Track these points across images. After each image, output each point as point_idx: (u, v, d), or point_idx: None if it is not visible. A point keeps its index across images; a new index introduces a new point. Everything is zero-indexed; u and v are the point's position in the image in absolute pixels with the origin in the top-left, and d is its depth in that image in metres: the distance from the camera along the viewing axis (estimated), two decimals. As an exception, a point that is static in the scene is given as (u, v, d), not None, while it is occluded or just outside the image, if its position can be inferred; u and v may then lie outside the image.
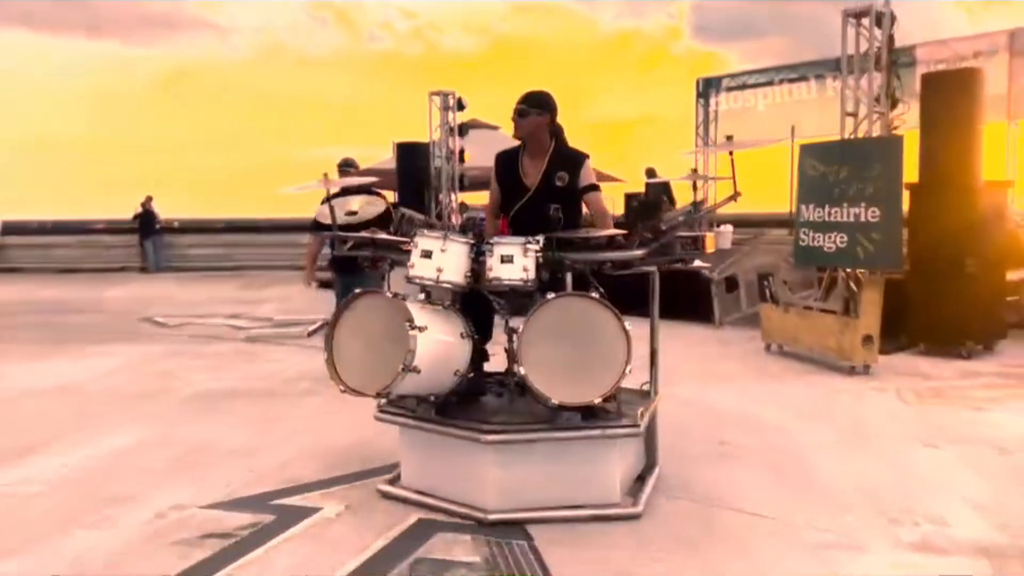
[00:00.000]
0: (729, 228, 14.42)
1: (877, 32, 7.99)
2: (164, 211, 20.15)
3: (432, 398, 3.67)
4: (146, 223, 19.44)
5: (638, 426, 3.56)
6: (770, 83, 14.54)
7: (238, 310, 11.16)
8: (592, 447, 3.55)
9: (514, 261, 3.53)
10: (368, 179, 5.27)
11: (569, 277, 3.63)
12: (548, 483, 3.54)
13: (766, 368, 6.90)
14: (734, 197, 4.15)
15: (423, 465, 3.79)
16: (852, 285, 6.98)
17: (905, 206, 7.33)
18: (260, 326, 9.80)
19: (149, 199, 19.60)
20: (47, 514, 3.66)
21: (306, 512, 3.64)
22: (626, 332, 3.37)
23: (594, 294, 3.50)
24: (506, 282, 3.52)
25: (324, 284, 7.96)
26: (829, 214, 7.42)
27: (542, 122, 4.04)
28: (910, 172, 7.38)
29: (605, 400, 3.45)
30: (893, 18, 8.01)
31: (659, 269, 4.01)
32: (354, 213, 4.19)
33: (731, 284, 9.46)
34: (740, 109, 14.99)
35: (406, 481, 3.84)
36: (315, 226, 5.66)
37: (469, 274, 3.61)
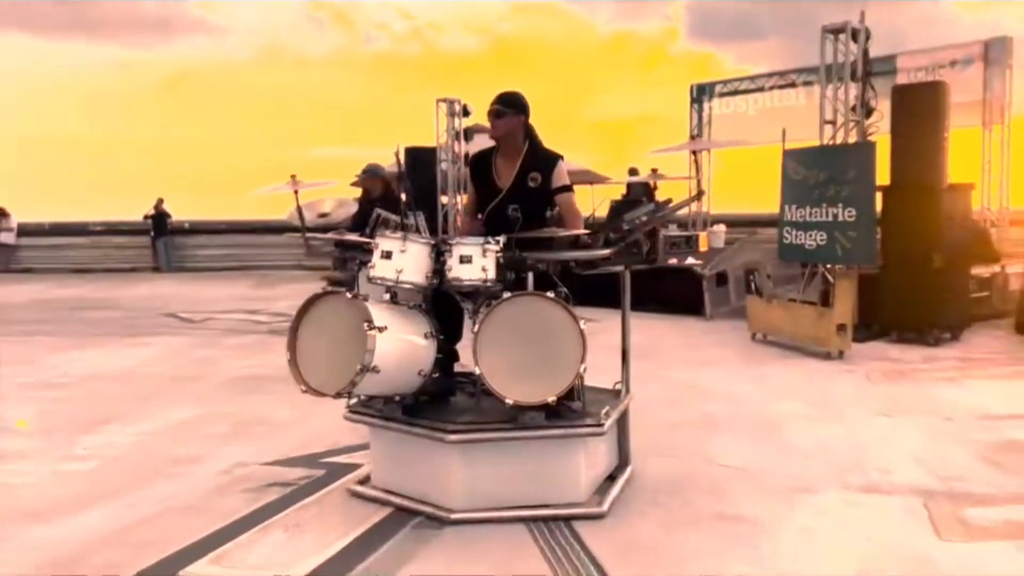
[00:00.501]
0: (722, 227, 15.17)
1: (853, 46, 8.68)
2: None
3: (397, 398, 3.69)
4: (159, 224, 20.08)
5: (602, 426, 3.56)
6: (760, 89, 15.22)
7: (255, 306, 11.80)
8: (557, 446, 3.57)
9: (473, 261, 3.55)
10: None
11: (531, 277, 3.65)
12: (513, 482, 3.56)
13: (750, 354, 7.57)
14: (698, 196, 4.46)
15: (391, 464, 3.83)
16: (828, 278, 7.65)
17: (878, 207, 8.00)
18: (279, 320, 10.45)
19: (161, 201, 20.24)
20: (131, 470, 4.32)
21: (351, 467, 4.29)
22: (581, 331, 3.39)
23: (550, 293, 3.51)
24: (466, 282, 3.54)
25: (336, 283, 8.60)
26: (810, 214, 8.10)
27: (518, 123, 4.05)
28: (883, 175, 8.07)
29: (564, 399, 3.50)
30: (868, 33, 8.70)
31: (627, 269, 4.03)
32: (326, 215, 4.18)
33: (721, 279, 10.12)
34: (732, 114, 15.67)
35: (376, 480, 3.89)
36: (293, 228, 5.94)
37: (431, 274, 3.62)
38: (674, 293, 10.26)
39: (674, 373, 6.66)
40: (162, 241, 20.07)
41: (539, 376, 3.42)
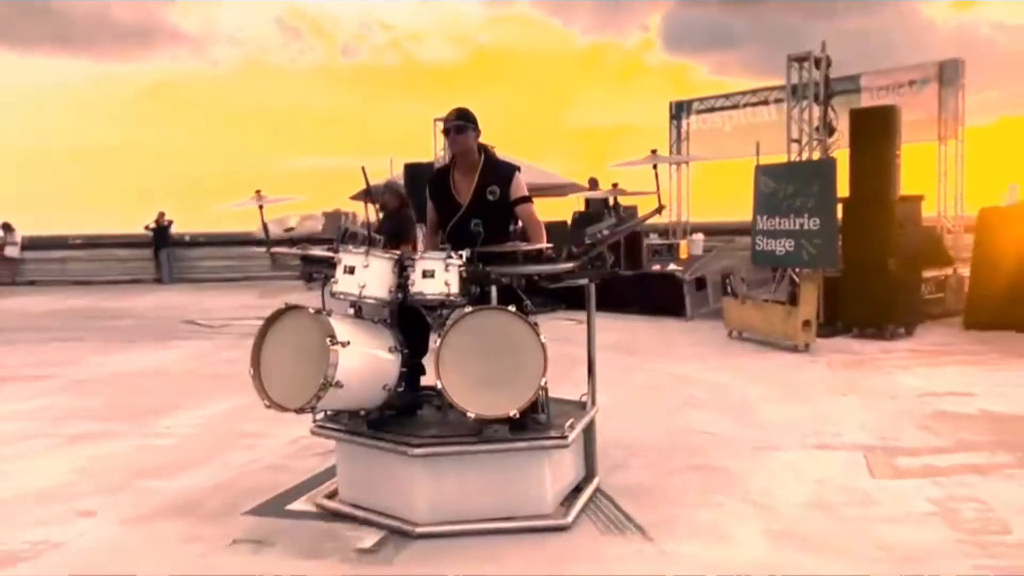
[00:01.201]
0: (700, 236, 16.19)
1: (816, 73, 9.67)
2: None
3: (363, 412, 3.68)
4: (161, 236, 20.76)
5: (566, 438, 3.57)
6: (735, 106, 16.24)
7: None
8: (522, 459, 3.57)
9: (435, 276, 3.56)
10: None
11: (494, 290, 3.65)
12: (478, 496, 3.55)
13: (727, 349, 8.47)
14: (658, 210, 4.15)
15: (357, 479, 3.82)
16: (795, 280, 8.58)
17: (840, 217, 8.95)
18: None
19: (162, 214, 20.93)
20: (210, 443, 5.13)
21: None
22: (542, 345, 3.40)
23: (511, 307, 3.51)
24: (429, 296, 3.57)
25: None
26: (779, 224, 9.06)
27: (475, 138, 4.08)
28: (843, 188, 9.02)
29: (529, 412, 3.51)
30: (828, 61, 9.70)
31: (591, 281, 4.04)
32: (291, 229, 4.19)
33: (700, 283, 11.03)
34: (708, 129, 16.68)
35: (343, 494, 3.89)
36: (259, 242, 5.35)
37: (394, 289, 3.63)
38: (657, 296, 11.17)
39: (659, 365, 7.54)
40: (164, 253, 20.74)
41: (501, 389, 3.41)
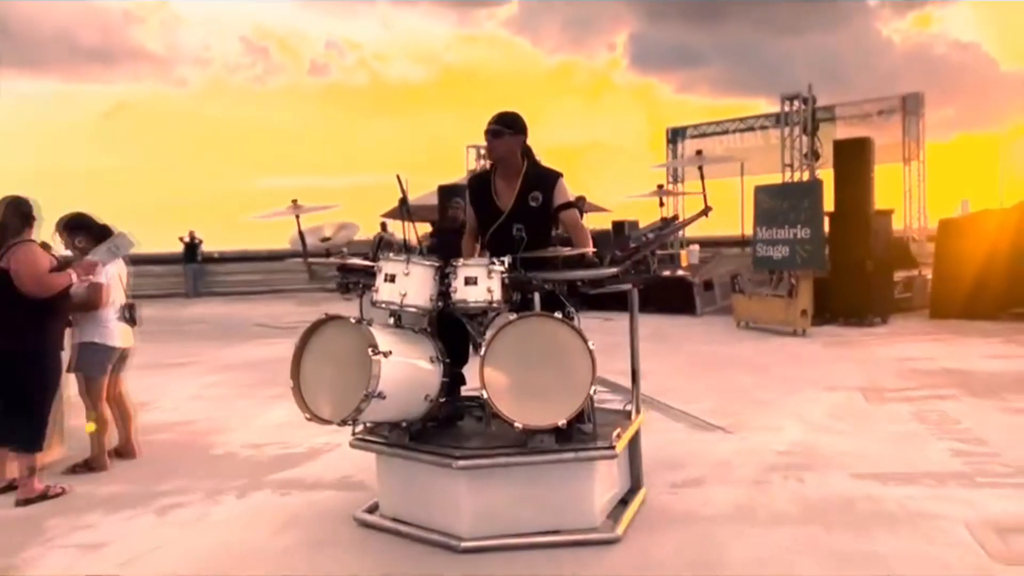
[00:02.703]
0: (696, 247, 18.21)
1: (805, 109, 11.72)
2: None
3: (404, 424, 3.62)
4: (190, 252, 22.32)
5: (613, 448, 3.48)
6: (725, 132, 18.34)
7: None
8: (568, 470, 3.48)
9: (478, 283, 3.50)
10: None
11: (537, 297, 3.60)
12: (524, 508, 3.46)
13: (739, 335, 10.39)
14: (705, 212, 4.01)
15: (399, 492, 3.75)
16: (792, 279, 10.54)
17: (827, 228, 10.91)
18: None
19: (192, 233, 22.53)
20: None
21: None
22: (591, 352, 3.32)
23: (557, 314, 3.46)
24: (471, 304, 3.50)
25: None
26: (776, 233, 11.00)
27: (516, 143, 3.98)
28: (829, 204, 10.99)
29: (575, 421, 3.43)
30: (814, 100, 11.75)
31: (635, 286, 4.03)
32: (327, 239, 4.07)
33: (708, 285, 12.96)
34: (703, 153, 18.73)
35: (383, 508, 3.82)
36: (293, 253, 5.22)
37: (435, 297, 3.57)
38: (669, 297, 13.05)
39: (689, 347, 9.43)
40: (191, 268, 22.28)
41: (548, 399, 3.32)
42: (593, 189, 18.30)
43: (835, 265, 10.92)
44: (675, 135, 19.04)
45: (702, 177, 4.11)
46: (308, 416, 3.37)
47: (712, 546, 3.45)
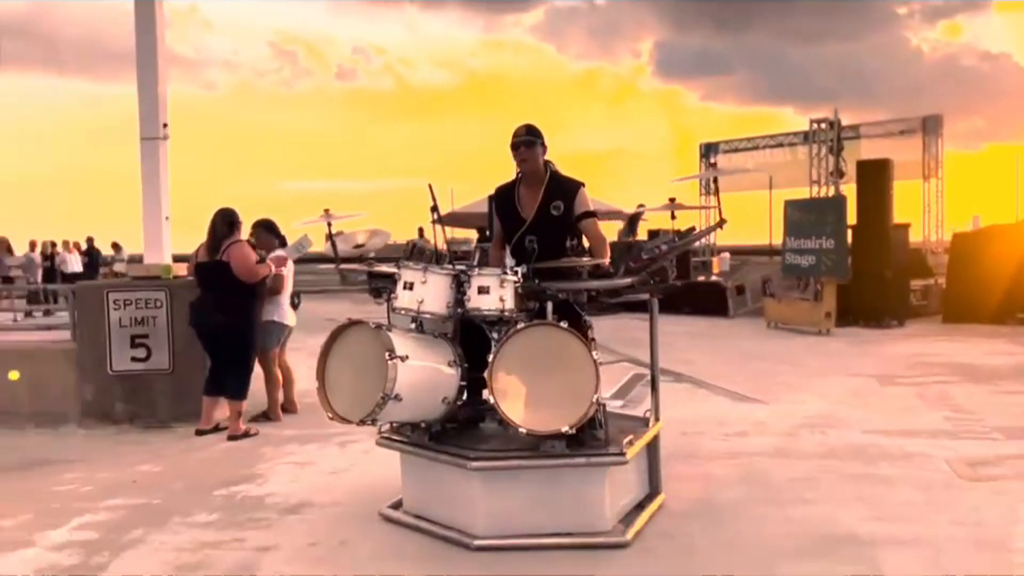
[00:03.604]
0: (727, 255, 19.44)
1: (831, 132, 12.96)
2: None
3: (423, 425, 3.77)
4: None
5: (624, 455, 3.56)
6: (756, 148, 19.53)
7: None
8: (580, 475, 3.57)
9: (491, 292, 3.60)
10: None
11: (550, 306, 3.68)
12: (536, 510, 3.57)
13: (770, 334, 11.63)
14: (720, 224, 4.11)
15: (420, 490, 3.90)
16: (818, 284, 11.77)
17: (849, 239, 12.12)
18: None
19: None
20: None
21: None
22: (595, 363, 3.41)
23: (564, 323, 3.53)
24: (485, 312, 3.61)
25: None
26: (803, 244, 12.22)
27: (543, 153, 4.09)
28: (852, 218, 12.20)
29: (584, 428, 3.53)
30: (840, 122, 12.98)
31: (653, 296, 4.13)
32: (361, 246, 4.19)
33: (740, 289, 14.20)
34: (733, 166, 19.95)
35: (406, 505, 3.97)
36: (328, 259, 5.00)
37: (451, 304, 3.68)
38: (704, 301, 14.29)
39: (725, 343, 10.69)
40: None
41: (554, 405, 3.43)
42: (617, 197, 19.47)
43: (856, 273, 12.10)
44: (708, 150, 20.25)
45: (716, 191, 4.28)
46: (331, 415, 3.56)
47: (756, 470, 4.75)
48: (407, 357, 3.43)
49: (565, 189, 4.10)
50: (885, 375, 7.87)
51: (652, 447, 4.11)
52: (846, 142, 16.15)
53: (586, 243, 4.16)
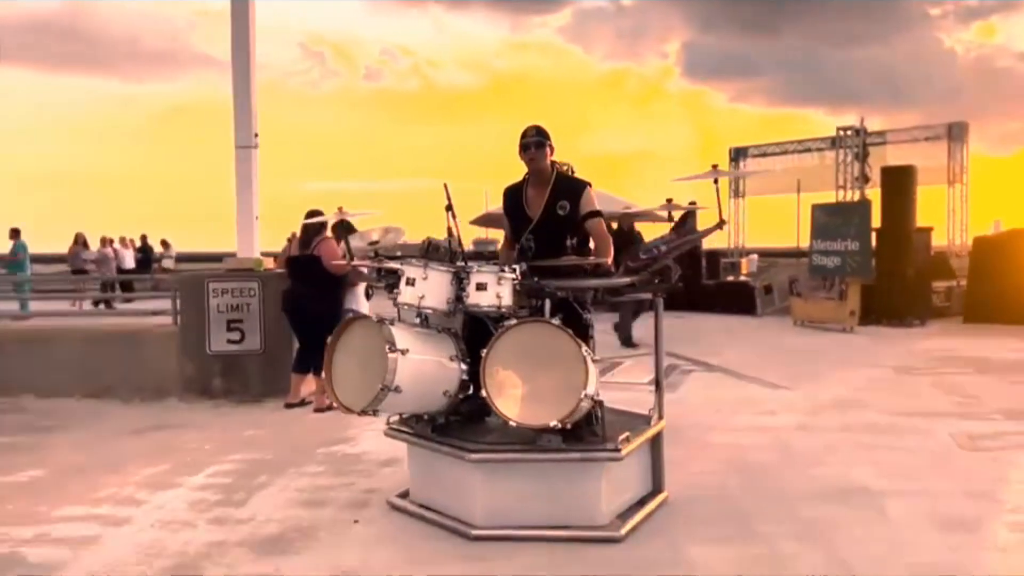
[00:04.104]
0: (755, 256, 20.02)
1: (857, 139, 13.55)
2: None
3: (426, 416, 3.91)
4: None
5: (619, 451, 3.62)
6: (784, 152, 20.08)
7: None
8: (576, 470, 3.65)
9: (488, 288, 3.69)
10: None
11: (548, 304, 3.75)
12: (533, 503, 3.65)
13: (797, 331, 12.26)
14: (720, 225, 4.07)
15: (425, 480, 4.03)
16: (843, 285, 12.39)
17: (873, 242, 12.71)
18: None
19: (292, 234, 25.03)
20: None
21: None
22: (584, 359, 3.45)
23: (555, 320, 3.58)
24: (484, 308, 3.71)
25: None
26: (830, 246, 12.84)
27: (551, 153, 4.19)
28: (877, 221, 12.79)
29: (581, 424, 3.62)
30: (866, 131, 13.57)
31: (655, 296, 4.20)
32: (376, 243, 4.26)
33: (768, 289, 14.82)
34: (762, 170, 20.53)
35: (413, 494, 4.11)
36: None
37: (452, 300, 3.79)
38: (732, 299, 14.93)
39: (752, 339, 11.34)
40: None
41: (544, 400, 3.49)
42: (642, 198, 20.08)
43: (880, 274, 12.70)
44: (737, 154, 20.83)
45: (717, 192, 4.08)
46: (336, 405, 3.75)
47: (782, 440, 5.46)
48: (407, 351, 3.57)
49: (571, 189, 4.20)
50: (903, 367, 8.51)
51: (655, 446, 4.18)
52: (873, 148, 16.73)
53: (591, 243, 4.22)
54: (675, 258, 4.23)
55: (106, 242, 19.45)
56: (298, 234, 6.80)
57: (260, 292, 6.99)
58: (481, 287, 3.74)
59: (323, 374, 3.81)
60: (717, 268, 15.93)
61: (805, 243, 14.24)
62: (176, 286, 7.30)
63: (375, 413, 3.67)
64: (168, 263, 25.23)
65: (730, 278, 15.80)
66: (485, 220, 20.47)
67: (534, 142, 4.16)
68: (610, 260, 4.06)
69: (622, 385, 7.45)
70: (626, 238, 9.73)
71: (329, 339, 3.79)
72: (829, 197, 15.16)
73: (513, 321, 3.64)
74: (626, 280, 4.02)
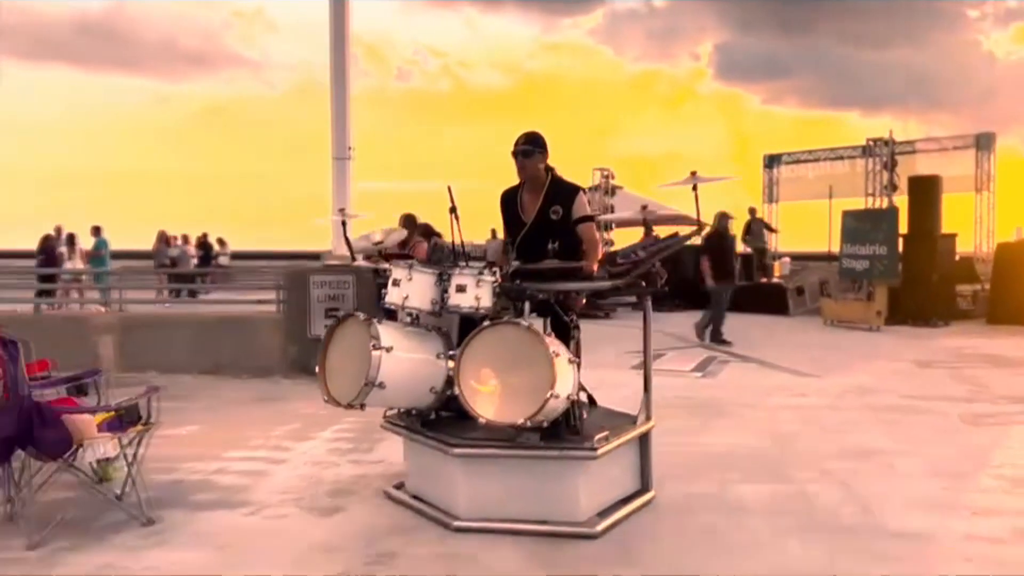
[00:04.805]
0: (788, 260, 20.80)
1: (886, 149, 14.35)
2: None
3: (414, 412, 4.05)
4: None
5: (595, 450, 3.68)
6: (816, 160, 20.83)
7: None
8: (555, 467, 3.74)
9: (467, 290, 3.81)
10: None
11: (527, 305, 3.85)
12: (514, 498, 3.75)
13: (827, 330, 13.10)
14: (699, 230, 4.20)
15: (417, 472, 4.20)
16: (871, 286, 13.21)
17: (900, 247, 13.51)
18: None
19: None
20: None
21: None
22: (551, 360, 3.51)
23: (523, 322, 3.67)
24: (464, 308, 3.83)
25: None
26: (859, 250, 13.66)
27: (542, 160, 4.31)
28: (904, 227, 13.58)
29: (558, 422, 3.74)
30: (895, 141, 14.36)
31: (640, 298, 4.34)
32: (380, 243, 4.39)
33: (800, 290, 15.65)
34: (795, 177, 21.31)
35: (408, 485, 4.28)
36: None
37: (436, 301, 3.92)
38: (766, 301, 15.77)
39: (785, 336, 12.22)
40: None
41: (514, 399, 3.58)
42: (673, 201, 20.92)
43: (906, 277, 13.50)
44: (771, 161, 21.60)
45: (696, 198, 4.13)
46: (326, 399, 3.87)
47: (811, 416, 6.39)
48: (392, 348, 3.71)
49: (564, 194, 4.32)
50: (923, 360, 9.36)
51: (643, 446, 4.25)
52: (903, 156, 17.43)
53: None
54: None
55: (186, 239, 20.77)
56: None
57: (354, 285, 8.05)
58: (461, 289, 3.87)
59: (317, 368, 3.99)
60: (751, 270, 16.78)
61: (836, 247, 15.04)
62: (281, 280, 8.40)
63: (362, 407, 3.81)
64: (224, 260, 26.60)
65: (763, 280, 16.63)
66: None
67: (522, 151, 4.31)
68: (595, 265, 4.23)
69: (669, 372, 8.42)
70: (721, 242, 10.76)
71: (323, 336, 4.03)
72: (859, 203, 15.91)
73: (486, 322, 3.76)
74: (607, 284, 4.12)
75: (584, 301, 4.34)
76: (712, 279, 10.65)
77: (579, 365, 3.91)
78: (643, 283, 4.20)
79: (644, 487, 4.22)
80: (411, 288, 3.94)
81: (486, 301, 3.82)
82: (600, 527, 3.73)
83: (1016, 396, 7.13)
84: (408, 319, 4.00)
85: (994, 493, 4.44)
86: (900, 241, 13.46)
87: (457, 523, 3.77)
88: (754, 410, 6.59)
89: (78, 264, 17.09)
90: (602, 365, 7.79)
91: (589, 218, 4.34)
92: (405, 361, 3.79)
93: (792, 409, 6.65)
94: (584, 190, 4.39)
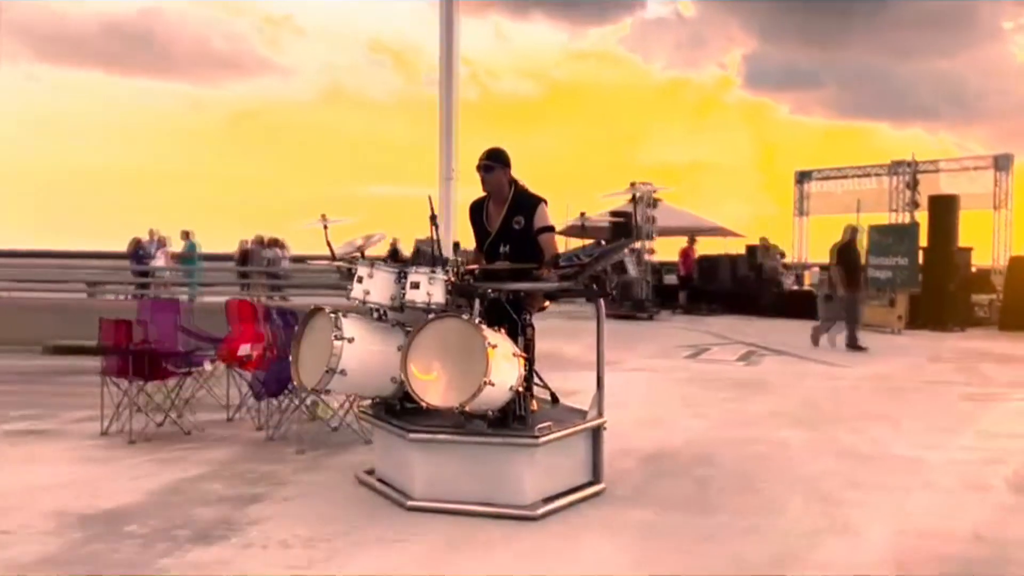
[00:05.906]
0: (817, 269, 22.20)
1: (908, 170, 15.77)
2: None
3: (378, 399, 4.38)
4: (394, 256, 27.79)
5: (536, 438, 3.97)
6: (845, 176, 22.20)
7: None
8: (502, 453, 4.04)
9: (420, 287, 4.09)
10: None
11: (477, 303, 4.15)
12: (464, 481, 4.04)
13: (851, 332, 14.55)
14: (629, 239, 4.57)
15: (382, 457, 4.51)
16: (893, 294, 14.66)
17: (920, 259, 14.93)
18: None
19: (396, 240, 28.01)
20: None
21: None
22: (486, 349, 3.77)
23: (465, 315, 4.01)
24: (418, 304, 4.11)
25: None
26: (883, 261, 15.11)
27: (504, 174, 4.61)
28: (924, 241, 15.00)
29: (504, 412, 4.03)
30: (916, 165, 15.79)
31: (590, 301, 4.65)
32: (362, 247, 4.57)
33: (828, 297, 17.05)
34: (824, 192, 22.70)
35: (376, 470, 4.54)
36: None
37: (396, 297, 4.21)
38: (797, 306, 17.22)
39: (800, 337, 13.69)
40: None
41: (453, 386, 3.90)
42: (697, 206, 22.28)
43: (926, 286, 14.92)
44: (802, 177, 23.00)
45: (635, 208, 5.15)
46: (297, 383, 4.32)
47: (836, 391, 7.93)
48: (353, 339, 4.03)
49: (526, 206, 4.59)
50: (935, 357, 10.82)
51: (595, 439, 4.45)
52: (926, 175, 18.80)
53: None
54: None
55: (278, 243, 22.62)
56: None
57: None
58: (415, 286, 4.13)
59: (290, 357, 4.33)
60: (765, 281, 18.27)
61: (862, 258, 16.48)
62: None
63: (328, 392, 4.33)
64: (284, 263, 28.48)
65: (795, 287, 18.10)
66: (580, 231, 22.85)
67: (483, 166, 4.62)
68: (544, 270, 4.35)
69: (717, 362, 9.97)
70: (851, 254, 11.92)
71: (296, 328, 4.42)
72: (884, 218, 17.36)
73: (431, 316, 4.06)
74: (553, 284, 4.32)
75: (547, 304, 4.70)
76: (844, 287, 11.54)
77: (531, 362, 4.34)
78: (594, 286, 4.51)
79: (595, 479, 4.44)
80: (372, 284, 4.24)
81: (438, 297, 4.11)
82: (541, 511, 3.98)
83: (1014, 383, 8.61)
84: (375, 315, 4.30)
85: (973, 439, 5.97)
86: (920, 254, 14.89)
87: (411, 503, 4.08)
88: (791, 388, 8.13)
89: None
90: (654, 356, 9.42)
91: (549, 228, 4.61)
92: (367, 352, 4.12)
93: (822, 389, 8.18)
94: (545, 202, 4.67)
